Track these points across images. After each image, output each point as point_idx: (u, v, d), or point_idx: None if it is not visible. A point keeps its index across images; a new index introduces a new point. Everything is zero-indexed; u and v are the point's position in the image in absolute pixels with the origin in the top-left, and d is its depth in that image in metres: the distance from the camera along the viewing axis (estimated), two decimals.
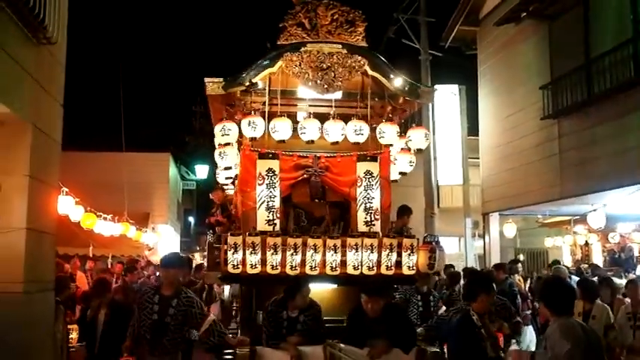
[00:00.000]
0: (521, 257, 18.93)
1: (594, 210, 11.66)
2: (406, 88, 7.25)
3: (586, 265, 15.11)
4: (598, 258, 15.51)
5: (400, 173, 7.96)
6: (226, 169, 7.94)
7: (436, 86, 16.92)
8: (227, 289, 10.01)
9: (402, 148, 7.94)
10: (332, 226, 7.59)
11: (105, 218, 14.09)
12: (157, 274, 12.63)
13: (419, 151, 7.90)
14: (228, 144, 7.48)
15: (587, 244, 15.75)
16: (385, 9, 19.19)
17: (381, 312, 6.27)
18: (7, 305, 5.91)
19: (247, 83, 6.90)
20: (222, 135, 7.35)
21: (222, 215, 9.15)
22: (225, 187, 10.28)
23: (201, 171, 26.08)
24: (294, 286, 6.28)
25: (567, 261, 15.91)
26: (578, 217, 13.54)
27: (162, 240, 21.24)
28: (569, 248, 16.53)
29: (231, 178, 8.77)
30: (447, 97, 16.76)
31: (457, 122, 16.66)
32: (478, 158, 15.01)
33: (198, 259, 19.37)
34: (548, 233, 16.44)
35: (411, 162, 7.92)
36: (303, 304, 6.27)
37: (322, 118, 7.48)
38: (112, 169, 17.67)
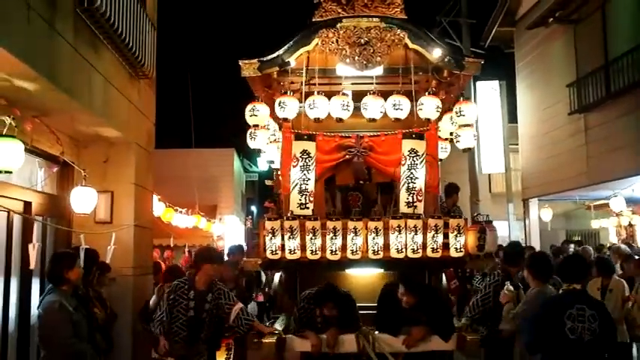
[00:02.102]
0: (578, 238, 17.64)
1: (615, 195, 12.38)
2: (450, 60, 6.75)
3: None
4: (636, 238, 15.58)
5: (464, 150, 7.34)
6: (256, 151, 7.48)
7: (478, 83, 17.00)
8: (277, 276, 9.43)
9: (458, 125, 7.30)
10: (386, 209, 7.05)
11: (180, 212, 14.62)
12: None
13: (467, 126, 7.24)
14: (256, 125, 7.02)
15: (630, 225, 15.65)
16: (428, 12, 19.32)
17: (419, 299, 5.78)
18: (122, 285, 7.51)
19: (281, 63, 6.53)
20: (251, 116, 6.89)
21: (269, 201, 8.93)
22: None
23: (263, 163, 30.04)
24: (323, 295, 5.75)
25: (614, 241, 15.73)
26: (602, 201, 14.04)
27: (228, 229, 21.59)
28: (615, 229, 16.55)
29: (272, 162, 8.34)
30: (488, 92, 17.18)
31: (498, 115, 16.97)
32: (518, 144, 15.76)
33: None
34: (595, 215, 16.22)
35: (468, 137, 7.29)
36: (330, 315, 5.71)
37: (361, 96, 6.80)
38: (183, 165, 18.28)
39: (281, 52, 6.68)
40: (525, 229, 15.39)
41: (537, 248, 14.80)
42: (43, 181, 7.08)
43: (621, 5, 11.04)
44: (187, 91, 19.12)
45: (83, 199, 6.71)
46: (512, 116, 16.93)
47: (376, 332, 5.90)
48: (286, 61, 6.63)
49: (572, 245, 12.81)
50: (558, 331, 4.73)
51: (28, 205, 6.60)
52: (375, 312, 6.27)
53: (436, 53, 6.78)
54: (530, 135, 15.02)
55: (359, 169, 6.98)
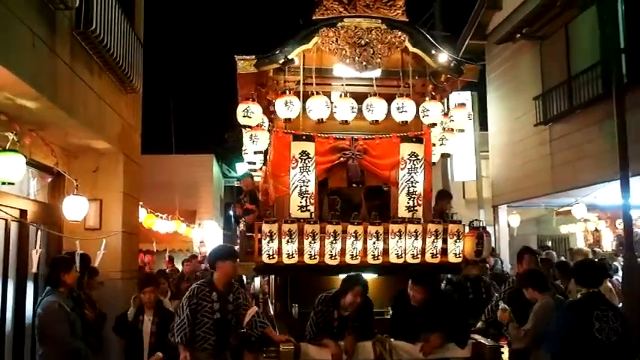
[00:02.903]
0: (549, 243, 18.14)
1: (577, 202, 13.11)
2: (450, 65, 6.64)
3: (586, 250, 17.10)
4: (608, 242, 15.94)
5: (443, 155, 7.40)
6: (256, 153, 7.20)
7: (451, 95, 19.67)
8: (257, 280, 9.26)
9: (445, 128, 7.25)
10: (370, 212, 6.78)
11: (161, 217, 14.63)
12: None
13: (460, 131, 7.26)
14: (247, 126, 6.76)
15: (596, 230, 16.25)
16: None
17: (430, 301, 5.64)
18: (111, 288, 7.72)
19: (281, 60, 6.29)
20: (244, 116, 6.58)
21: (250, 203, 8.57)
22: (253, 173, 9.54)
23: (242, 168, 30.47)
24: (350, 283, 5.60)
25: (581, 245, 16.23)
26: (566, 207, 14.54)
27: (207, 234, 21.36)
28: (582, 234, 17.06)
29: (254, 163, 8.12)
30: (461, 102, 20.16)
31: (470, 125, 16.21)
32: (488, 151, 16.04)
33: None
34: (564, 221, 16.66)
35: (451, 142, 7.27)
36: (353, 306, 5.57)
37: (358, 98, 6.61)
38: (163, 170, 18.50)
39: (281, 49, 6.38)
40: (495, 235, 15.30)
41: (506, 253, 15.49)
42: (37, 190, 7.35)
43: (582, 25, 11.28)
44: (168, 96, 19.60)
45: (75, 207, 7.01)
46: (483, 126, 17.01)
47: (392, 339, 5.68)
48: (290, 58, 6.37)
49: (544, 251, 13.52)
50: (588, 333, 4.80)
51: (23, 212, 6.87)
52: (377, 317, 6.16)
53: (442, 58, 6.62)
54: (500, 144, 15.29)
55: (354, 172, 6.76)
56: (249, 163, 8.31)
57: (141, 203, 11.79)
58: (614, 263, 11.79)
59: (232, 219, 10.66)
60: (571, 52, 11.70)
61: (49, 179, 7.48)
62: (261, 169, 8.83)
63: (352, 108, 6.54)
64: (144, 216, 13.02)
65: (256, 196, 8.70)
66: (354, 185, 6.97)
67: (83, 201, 7.15)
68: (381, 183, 7.09)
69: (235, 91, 7.54)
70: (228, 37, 42.31)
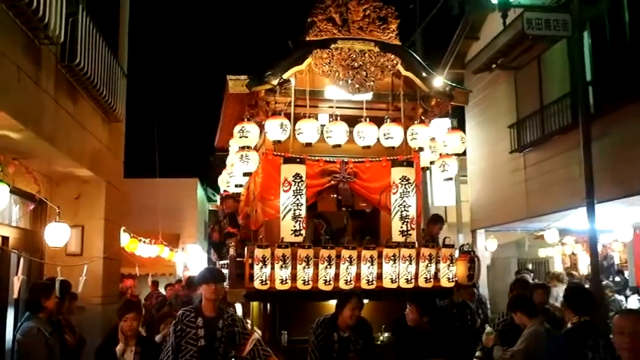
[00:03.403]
0: (529, 266, 20.94)
1: (549, 228, 13.30)
2: (441, 89, 6.56)
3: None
4: (584, 266, 15.81)
5: (446, 180, 7.32)
6: (245, 174, 6.80)
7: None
8: (238, 307, 8.61)
9: (441, 154, 7.14)
10: (354, 236, 6.74)
11: (144, 242, 14.43)
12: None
13: (455, 155, 7.15)
14: (248, 147, 6.48)
15: (573, 253, 16.57)
16: None
17: (431, 325, 5.39)
18: (92, 313, 7.65)
19: (275, 81, 6.12)
20: (241, 137, 6.34)
21: (230, 226, 8.42)
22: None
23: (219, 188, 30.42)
24: (344, 298, 5.32)
25: (559, 269, 16.29)
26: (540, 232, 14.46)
27: (191, 258, 21.08)
28: (560, 257, 17.39)
29: (241, 186, 7.74)
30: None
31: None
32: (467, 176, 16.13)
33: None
34: (542, 245, 16.61)
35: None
36: (352, 320, 5.26)
37: (348, 120, 6.44)
38: (147, 194, 18.18)
39: (274, 70, 6.22)
40: None
41: (484, 276, 15.76)
42: (19, 217, 7.31)
43: (553, 57, 11.55)
44: (152, 120, 19.69)
45: (57, 234, 6.94)
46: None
47: None
48: (286, 79, 6.23)
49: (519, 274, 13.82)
50: None
51: (5, 239, 6.84)
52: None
53: (436, 82, 6.56)
54: (477, 170, 15.39)
55: (345, 195, 6.63)
56: (237, 186, 7.87)
57: (123, 228, 11.72)
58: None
59: (208, 245, 10.10)
60: (543, 82, 11.92)
61: (32, 206, 7.44)
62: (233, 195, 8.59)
63: (345, 132, 6.37)
64: (127, 240, 12.88)
65: (236, 219, 8.43)
66: (343, 209, 6.86)
67: (65, 228, 7.20)
68: (366, 206, 7.00)
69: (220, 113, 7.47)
70: (213, 60, 42.79)
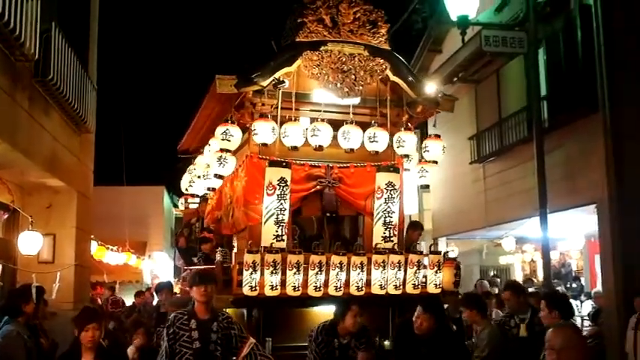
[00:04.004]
0: (491, 273, 19.36)
1: (506, 236, 13.91)
2: (429, 96, 6.49)
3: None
4: (542, 272, 19.79)
5: (422, 187, 7.30)
6: (218, 176, 6.58)
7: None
8: None
9: (421, 160, 7.14)
10: (332, 243, 6.53)
11: (112, 249, 14.48)
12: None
13: (434, 163, 7.13)
14: (228, 150, 6.24)
15: (533, 260, 16.79)
16: None
17: (434, 333, 5.14)
18: (64, 319, 7.08)
19: (263, 83, 5.92)
20: (223, 140, 6.08)
21: (202, 231, 8.26)
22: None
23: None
24: (344, 306, 5.17)
25: (519, 276, 17.06)
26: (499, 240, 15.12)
27: (157, 266, 21.09)
28: (520, 265, 17.81)
29: (213, 189, 7.47)
30: None
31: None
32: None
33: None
34: (503, 252, 16.86)
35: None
36: (354, 327, 5.17)
37: (333, 125, 6.29)
38: (114, 202, 17.98)
39: (263, 71, 6.01)
40: None
41: None
42: None
43: (511, 72, 11.84)
44: (119, 128, 19.82)
45: (29, 242, 7.21)
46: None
47: None
48: (280, 80, 6.02)
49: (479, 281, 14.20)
50: None
51: None
52: None
53: (429, 89, 6.49)
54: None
55: (329, 201, 6.45)
56: (209, 189, 7.57)
57: (92, 236, 11.49)
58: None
59: (175, 252, 9.79)
60: (501, 96, 12.23)
61: (5, 216, 7.60)
62: (204, 196, 8.34)
63: (330, 134, 6.22)
64: (94, 248, 12.75)
65: (202, 224, 8.25)
66: (313, 216, 6.65)
67: (37, 236, 7.40)
68: (347, 212, 6.79)
69: (187, 122, 7.37)
70: (181, 68, 42.89)
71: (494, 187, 12.66)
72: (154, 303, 9.87)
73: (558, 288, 13.34)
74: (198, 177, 7.94)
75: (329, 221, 6.91)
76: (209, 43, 41.83)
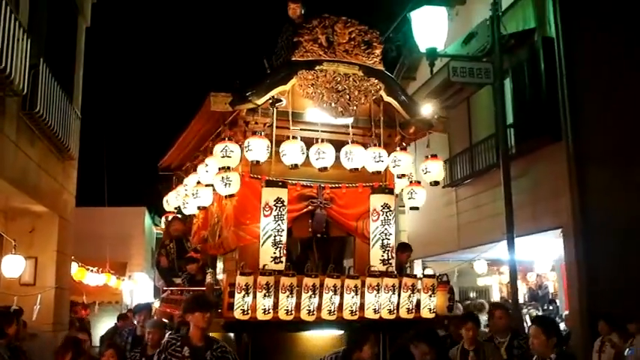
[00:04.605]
0: (472, 294, 18.40)
1: (478, 259, 14.13)
2: (421, 117, 6.39)
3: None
4: (520, 294, 19.72)
5: (412, 208, 7.07)
6: (229, 197, 6.13)
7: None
8: None
9: (411, 182, 6.94)
10: (319, 265, 6.36)
11: (92, 271, 14.29)
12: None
13: (435, 183, 6.99)
14: (229, 168, 5.95)
15: (509, 283, 20.47)
16: None
17: None
18: (43, 340, 7.75)
19: (258, 101, 5.81)
20: (223, 157, 5.82)
21: (177, 251, 8.12)
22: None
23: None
24: (361, 335, 4.97)
25: (497, 297, 17.37)
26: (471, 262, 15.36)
27: (137, 287, 20.99)
28: (498, 286, 18.07)
29: (204, 207, 7.07)
30: None
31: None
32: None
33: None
34: (480, 274, 17.00)
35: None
36: (372, 358, 4.93)
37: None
38: (95, 222, 17.96)
39: (258, 89, 5.86)
40: None
41: None
42: None
43: (480, 100, 12.23)
44: (102, 150, 20.16)
45: (12, 266, 7.46)
46: None
47: None
48: (278, 98, 5.91)
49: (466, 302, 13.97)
50: None
51: None
52: None
53: (425, 110, 6.41)
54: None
55: (319, 221, 6.25)
56: (199, 208, 7.09)
57: (72, 257, 11.50)
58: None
59: (155, 272, 9.49)
60: (472, 123, 12.47)
61: None
62: (180, 216, 8.05)
63: (333, 155, 6.02)
64: (75, 269, 12.59)
65: (183, 243, 8.03)
66: (317, 236, 6.46)
67: (20, 259, 7.67)
68: (338, 233, 6.58)
69: (169, 142, 7.34)
70: (163, 90, 43.40)
71: (467, 211, 12.95)
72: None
73: (532, 310, 13.27)
74: (188, 196, 7.54)
75: (318, 243, 6.66)
76: (190, 63, 42.46)
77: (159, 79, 40.03)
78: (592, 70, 9.95)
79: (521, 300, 16.86)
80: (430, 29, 8.84)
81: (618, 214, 9.38)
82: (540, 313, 12.54)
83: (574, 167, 9.96)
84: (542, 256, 13.47)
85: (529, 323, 11.02)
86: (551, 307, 14.21)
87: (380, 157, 6.15)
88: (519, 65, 10.92)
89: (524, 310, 12.88)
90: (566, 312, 11.46)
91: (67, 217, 8.75)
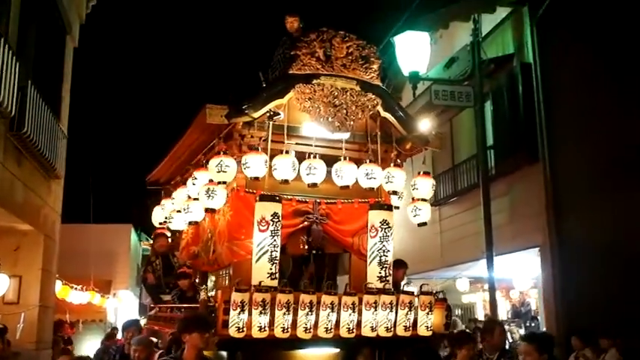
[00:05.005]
0: (458, 312, 18.18)
1: (460, 277, 14.45)
2: (418, 133, 6.37)
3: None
4: (503, 311, 16.49)
5: (419, 225, 7.15)
6: (209, 210, 6.16)
7: None
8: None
9: (414, 198, 6.91)
10: (312, 281, 6.32)
11: (76, 289, 14.12)
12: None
13: (423, 201, 6.88)
14: (224, 182, 5.89)
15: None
16: None
17: None
18: (26, 359, 7.78)
19: (254, 114, 5.74)
20: (218, 172, 5.71)
21: (164, 267, 8.03)
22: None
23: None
24: (355, 350, 5.07)
25: (482, 314, 17.36)
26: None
27: (122, 305, 20.67)
28: (482, 303, 17.94)
29: (195, 222, 6.94)
30: None
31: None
32: None
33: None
34: (465, 291, 17.33)
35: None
36: None
37: (323, 160, 6.11)
38: (80, 240, 17.62)
39: (254, 102, 5.77)
40: None
41: None
42: None
43: (462, 121, 12.53)
44: (88, 167, 20.20)
45: None
46: None
47: None
48: (276, 112, 5.84)
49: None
50: None
51: None
52: None
53: (423, 126, 6.37)
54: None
55: (316, 237, 6.16)
56: (191, 223, 6.99)
57: (57, 275, 11.26)
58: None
59: (142, 289, 9.27)
60: (455, 143, 12.59)
61: None
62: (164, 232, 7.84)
63: (324, 171, 5.94)
64: (59, 287, 12.47)
65: (170, 259, 7.93)
66: (313, 252, 6.42)
67: (4, 278, 7.83)
68: (333, 249, 6.49)
69: (156, 159, 7.22)
70: (149, 106, 43.63)
71: (450, 229, 13.03)
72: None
73: (514, 327, 13.41)
74: (178, 211, 7.36)
75: (314, 259, 6.56)
76: (177, 78, 42.70)
77: (145, 95, 40.17)
78: (568, 95, 10.11)
79: (504, 317, 17.09)
80: (413, 53, 9.04)
81: (594, 233, 9.50)
82: (523, 330, 12.68)
83: (550, 188, 10.13)
84: (523, 274, 13.65)
85: (511, 340, 11.29)
86: (533, 324, 14.35)
87: (372, 173, 6.09)
88: (499, 89, 11.07)
89: (507, 327, 13.05)
90: (544, 329, 11.65)
91: (52, 235, 8.76)
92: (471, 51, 10.26)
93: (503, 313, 17.79)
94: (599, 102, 9.85)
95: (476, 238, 11.70)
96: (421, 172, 6.81)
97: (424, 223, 7.01)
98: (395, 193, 6.42)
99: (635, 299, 9.00)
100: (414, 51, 9.09)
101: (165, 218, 7.96)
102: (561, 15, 10.21)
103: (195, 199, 6.43)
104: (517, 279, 13.68)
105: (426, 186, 6.72)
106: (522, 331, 12.30)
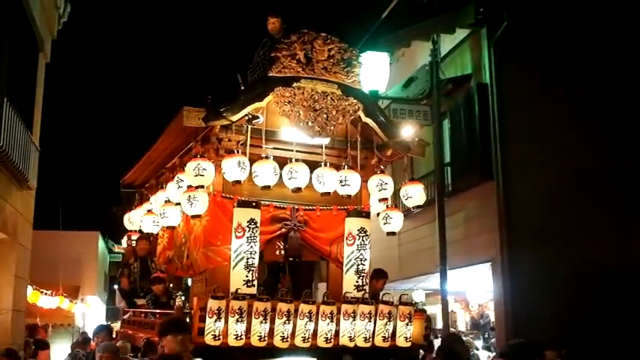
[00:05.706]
0: None
1: (416, 289, 14.54)
2: (400, 140, 6.16)
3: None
4: (462, 323, 17.36)
5: (389, 234, 6.95)
6: (194, 217, 5.84)
7: None
8: None
9: (388, 206, 6.71)
10: (289, 290, 5.97)
11: (45, 294, 14.05)
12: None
13: (417, 208, 6.84)
14: (202, 186, 5.58)
15: (453, 311, 16.89)
16: None
17: None
18: None
19: (232, 118, 5.49)
20: (196, 175, 5.43)
21: (141, 271, 7.85)
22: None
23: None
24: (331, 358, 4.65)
25: (440, 325, 21.06)
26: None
27: (90, 310, 20.47)
28: (441, 315, 22.24)
29: (173, 227, 6.62)
30: None
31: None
32: None
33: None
34: (429, 302, 16.91)
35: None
36: None
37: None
38: (49, 246, 17.53)
39: (232, 105, 5.48)
40: None
41: None
42: None
43: (423, 138, 13.72)
44: (57, 174, 20.37)
45: None
46: None
47: None
48: (255, 115, 5.55)
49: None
50: None
51: None
52: None
53: (407, 132, 6.13)
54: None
55: (294, 245, 5.92)
56: (167, 228, 6.67)
57: (28, 280, 11.35)
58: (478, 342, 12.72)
59: (117, 293, 9.19)
60: (414, 160, 13.61)
61: None
62: (147, 235, 7.51)
63: (307, 175, 5.74)
64: (29, 292, 12.44)
65: (148, 263, 7.66)
66: (290, 259, 6.22)
67: None
68: (310, 256, 6.31)
69: (126, 166, 7.11)
70: (119, 113, 43.72)
71: (408, 243, 12.98)
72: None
73: (470, 337, 13.57)
74: (149, 211, 7.20)
75: (291, 267, 6.34)
76: (147, 84, 42.84)
77: (116, 101, 40.21)
78: (523, 115, 10.36)
79: (463, 328, 17.55)
80: (373, 73, 9.39)
81: (544, 249, 9.69)
82: (481, 342, 12.92)
83: (503, 205, 10.26)
84: (477, 287, 14.19)
85: (472, 352, 11.17)
86: (491, 335, 14.48)
87: (346, 180, 5.74)
88: (457, 108, 11.17)
89: (465, 339, 13.56)
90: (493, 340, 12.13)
91: (24, 243, 8.90)
92: (429, 71, 10.32)
93: (463, 324, 18.21)
94: (552, 123, 10.16)
95: (432, 252, 11.93)
96: (406, 180, 6.93)
97: (393, 233, 6.81)
98: (385, 200, 6.52)
99: (582, 311, 9.31)
100: (374, 71, 9.10)
101: (142, 223, 7.54)
102: (518, 37, 10.42)
103: (177, 203, 6.16)
104: (472, 292, 14.11)
105: (417, 192, 6.67)
106: (481, 342, 12.63)
